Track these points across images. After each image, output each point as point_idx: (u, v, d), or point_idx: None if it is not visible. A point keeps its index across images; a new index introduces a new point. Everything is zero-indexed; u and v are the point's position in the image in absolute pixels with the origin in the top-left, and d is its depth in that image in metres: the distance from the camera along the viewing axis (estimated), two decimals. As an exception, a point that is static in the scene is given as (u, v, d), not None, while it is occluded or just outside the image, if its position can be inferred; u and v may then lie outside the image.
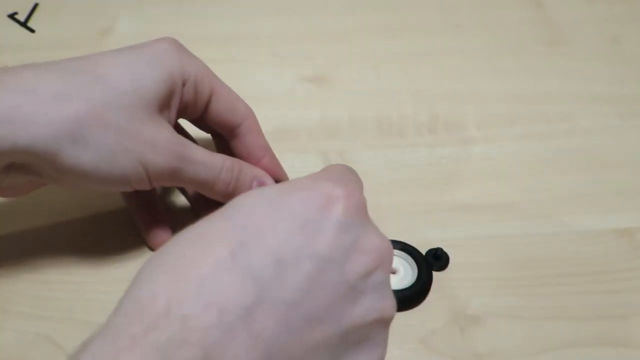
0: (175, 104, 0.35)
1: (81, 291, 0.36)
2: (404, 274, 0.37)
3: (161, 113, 0.34)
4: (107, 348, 0.20)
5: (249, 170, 0.37)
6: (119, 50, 0.34)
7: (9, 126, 0.29)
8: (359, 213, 0.25)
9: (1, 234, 0.39)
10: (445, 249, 0.38)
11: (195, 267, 0.21)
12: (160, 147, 0.32)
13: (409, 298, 0.36)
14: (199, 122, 0.39)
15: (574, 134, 0.46)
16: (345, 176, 0.27)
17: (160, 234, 0.38)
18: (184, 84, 0.34)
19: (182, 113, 0.36)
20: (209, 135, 0.40)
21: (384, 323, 0.25)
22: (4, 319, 0.35)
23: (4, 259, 0.37)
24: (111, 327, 0.21)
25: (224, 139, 0.39)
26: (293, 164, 0.42)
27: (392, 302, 0.25)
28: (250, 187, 0.36)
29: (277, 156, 0.39)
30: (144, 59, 0.33)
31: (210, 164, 0.35)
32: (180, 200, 0.41)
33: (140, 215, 0.38)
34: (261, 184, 0.37)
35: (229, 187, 0.35)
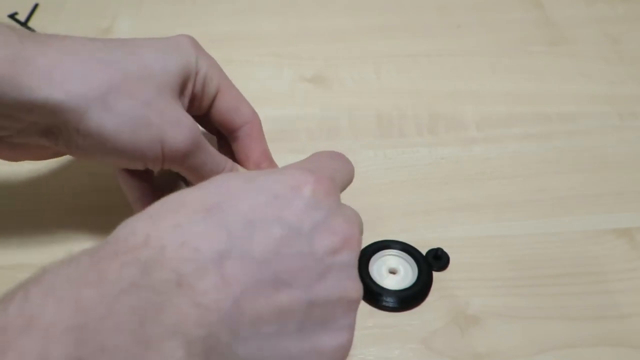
0: (188, 93, 0.36)
1: (81, 291, 0.36)
2: (404, 274, 0.37)
3: (180, 98, 0.35)
4: (87, 258, 0.21)
5: None
6: (145, 38, 0.35)
7: (47, 80, 0.30)
8: (328, 197, 0.26)
9: (1, 233, 0.39)
10: (445, 249, 0.38)
11: (172, 216, 0.23)
12: (182, 126, 0.33)
13: (409, 298, 0.36)
14: (203, 121, 0.39)
15: (574, 134, 0.46)
16: (322, 165, 0.29)
17: None
18: (196, 74, 0.36)
19: (189, 107, 0.37)
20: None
21: (349, 304, 0.25)
22: (3, 319, 0.35)
23: (4, 259, 0.37)
24: (90, 249, 0.22)
25: (227, 142, 0.39)
26: (293, 164, 0.41)
27: (357, 284, 0.25)
28: None
29: (277, 156, 0.39)
30: (169, 45, 0.35)
31: (217, 157, 0.36)
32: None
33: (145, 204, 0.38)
34: None
35: None
